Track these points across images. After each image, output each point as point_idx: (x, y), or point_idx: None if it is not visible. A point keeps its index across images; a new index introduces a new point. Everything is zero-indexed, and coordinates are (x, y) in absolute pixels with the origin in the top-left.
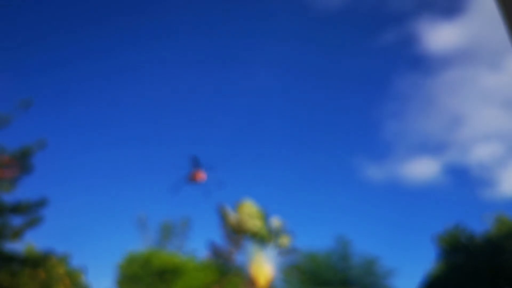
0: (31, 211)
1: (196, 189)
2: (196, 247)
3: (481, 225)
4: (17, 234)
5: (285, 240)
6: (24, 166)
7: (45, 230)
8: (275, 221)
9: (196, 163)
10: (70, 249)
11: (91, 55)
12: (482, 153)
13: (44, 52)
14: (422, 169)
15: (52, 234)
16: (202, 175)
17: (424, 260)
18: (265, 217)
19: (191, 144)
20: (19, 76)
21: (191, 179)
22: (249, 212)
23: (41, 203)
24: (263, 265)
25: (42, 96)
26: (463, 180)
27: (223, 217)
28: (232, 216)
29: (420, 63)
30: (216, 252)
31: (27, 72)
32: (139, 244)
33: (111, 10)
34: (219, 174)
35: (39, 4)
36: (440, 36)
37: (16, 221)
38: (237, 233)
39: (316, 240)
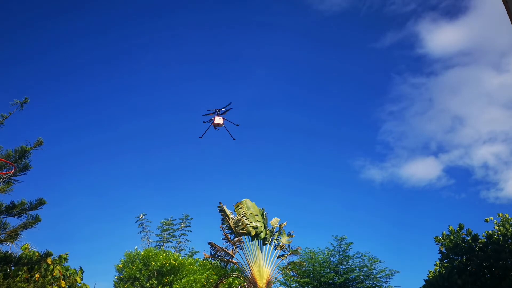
0: (27, 212)
1: (219, 132)
2: (196, 247)
3: (484, 226)
4: (13, 235)
5: (285, 241)
6: (20, 166)
7: (43, 231)
8: (276, 222)
9: (214, 112)
10: (69, 249)
11: (90, 56)
12: (485, 155)
13: (43, 52)
14: (424, 170)
15: (50, 235)
16: (220, 120)
17: (426, 261)
18: (266, 218)
19: (192, 148)
20: (18, 76)
21: (214, 125)
22: (249, 213)
23: (38, 204)
24: (263, 265)
25: (41, 96)
26: (466, 181)
27: (223, 217)
28: (232, 216)
29: (422, 64)
30: (216, 252)
31: (26, 72)
32: (138, 244)
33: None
34: (232, 117)
35: (38, 4)
36: (442, 37)
37: (12, 221)
38: (237, 233)
39: (317, 241)
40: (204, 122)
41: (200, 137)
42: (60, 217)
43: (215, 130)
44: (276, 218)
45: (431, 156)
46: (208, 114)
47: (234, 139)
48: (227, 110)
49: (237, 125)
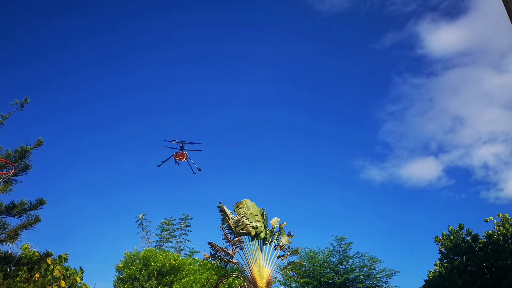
0: (27, 212)
1: (181, 166)
2: (196, 247)
3: (484, 226)
4: (13, 235)
5: (285, 241)
6: (20, 166)
7: (43, 231)
8: (276, 222)
9: (180, 146)
10: (69, 249)
11: (90, 57)
12: (485, 155)
13: (43, 52)
14: (424, 170)
15: (50, 235)
16: (182, 156)
17: (426, 261)
18: (266, 218)
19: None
20: (18, 76)
21: (176, 158)
22: (249, 213)
23: (38, 204)
24: (263, 265)
25: (41, 96)
26: (466, 181)
27: (223, 217)
28: (232, 216)
29: (422, 65)
30: (216, 252)
31: (26, 72)
32: (138, 244)
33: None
34: (196, 154)
35: (38, 4)
36: (442, 37)
37: (12, 221)
38: (237, 233)
39: (317, 241)
40: (162, 161)
41: (158, 166)
42: (60, 217)
43: (175, 164)
44: (276, 218)
45: (431, 156)
46: (170, 141)
47: (195, 173)
48: (195, 150)
49: (199, 169)
